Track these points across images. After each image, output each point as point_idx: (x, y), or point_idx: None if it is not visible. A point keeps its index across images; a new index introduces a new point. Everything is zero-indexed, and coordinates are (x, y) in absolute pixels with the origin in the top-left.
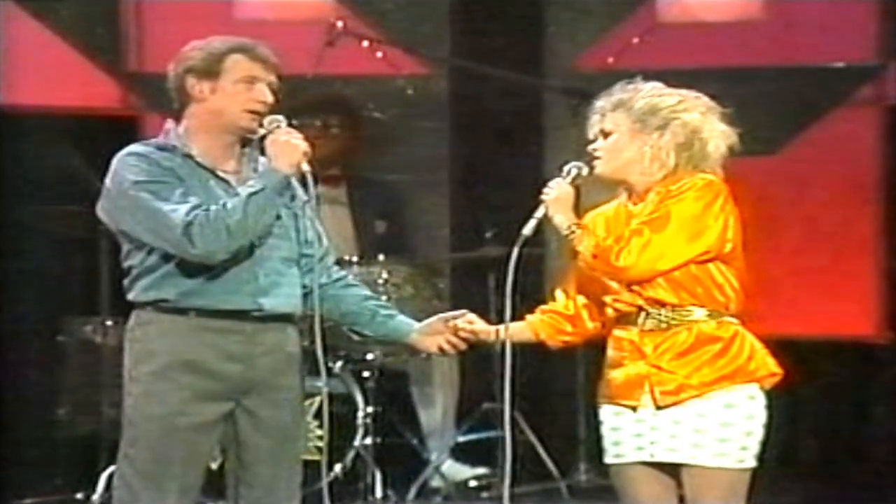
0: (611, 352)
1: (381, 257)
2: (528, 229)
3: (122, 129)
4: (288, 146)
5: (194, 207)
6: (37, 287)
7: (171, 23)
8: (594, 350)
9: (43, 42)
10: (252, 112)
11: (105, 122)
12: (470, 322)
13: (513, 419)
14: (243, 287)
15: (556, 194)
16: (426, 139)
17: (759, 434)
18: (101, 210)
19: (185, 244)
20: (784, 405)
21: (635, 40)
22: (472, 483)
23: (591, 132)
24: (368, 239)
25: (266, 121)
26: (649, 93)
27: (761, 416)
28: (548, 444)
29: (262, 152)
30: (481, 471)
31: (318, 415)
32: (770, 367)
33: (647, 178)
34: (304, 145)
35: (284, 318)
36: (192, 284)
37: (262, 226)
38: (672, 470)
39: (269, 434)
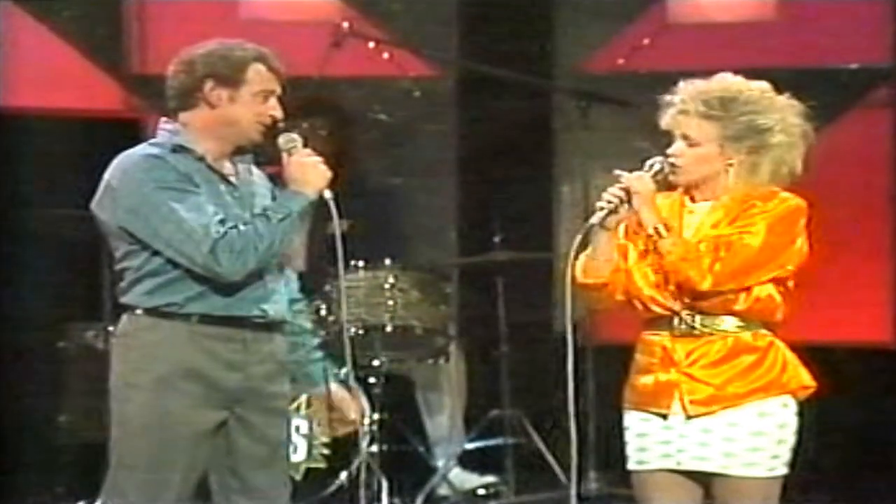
0: (640, 356)
1: (387, 262)
2: (596, 218)
3: (125, 131)
4: (314, 170)
5: (220, 222)
6: (38, 292)
7: (173, 24)
8: (603, 357)
9: (44, 44)
10: (263, 125)
11: (107, 124)
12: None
13: (521, 424)
14: (249, 293)
15: (642, 189)
16: (433, 141)
17: (791, 441)
18: (102, 207)
19: (210, 262)
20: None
21: (646, 41)
22: (480, 491)
23: (671, 126)
24: (353, 242)
25: (283, 140)
26: (750, 108)
27: (793, 423)
28: (556, 451)
29: (271, 163)
30: (489, 479)
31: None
32: (803, 379)
33: (726, 190)
34: (327, 170)
35: (277, 326)
36: (199, 289)
37: (286, 247)
38: (698, 477)
39: (262, 441)
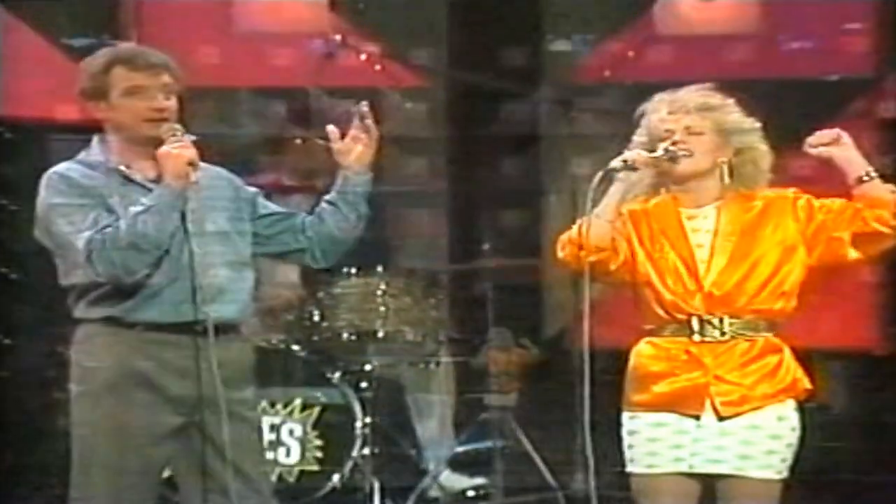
0: (650, 360)
1: (379, 268)
2: (616, 163)
3: None
4: (170, 158)
5: (98, 231)
6: (35, 297)
7: (167, 36)
8: (592, 360)
9: (41, 52)
10: (148, 121)
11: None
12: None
13: (511, 428)
14: (187, 298)
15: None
16: (424, 150)
17: (796, 445)
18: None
19: (90, 270)
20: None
21: (632, 53)
22: (470, 493)
23: (664, 126)
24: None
25: (163, 129)
26: (736, 109)
27: (799, 427)
28: (545, 454)
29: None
30: (479, 481)
31: (316, 425)
32: (805, 381)
33: (718, 193)
34: (189, 154)
35: (234, 328)
36: (136, 299)
37: (161, 240)
38: (704, 479)
39: (221, 450)
